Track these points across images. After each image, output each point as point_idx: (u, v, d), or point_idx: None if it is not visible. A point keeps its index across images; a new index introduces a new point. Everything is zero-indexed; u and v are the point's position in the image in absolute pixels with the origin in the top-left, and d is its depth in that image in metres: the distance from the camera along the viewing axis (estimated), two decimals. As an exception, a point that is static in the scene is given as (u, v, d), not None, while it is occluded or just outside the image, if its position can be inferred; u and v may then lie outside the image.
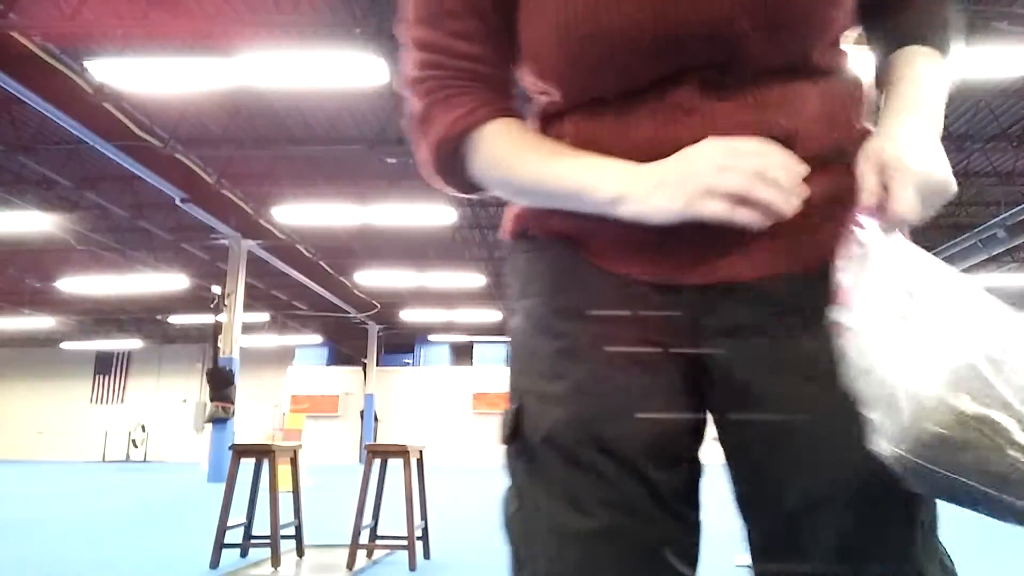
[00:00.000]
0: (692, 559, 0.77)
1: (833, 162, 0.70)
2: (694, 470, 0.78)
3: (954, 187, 0.70)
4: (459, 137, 0.75)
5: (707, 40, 0.66)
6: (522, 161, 0.73)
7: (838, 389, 0.61)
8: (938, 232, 13.37)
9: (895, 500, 0.67)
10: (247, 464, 4.26)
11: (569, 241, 0.74)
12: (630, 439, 0.68)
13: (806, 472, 0.68)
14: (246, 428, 22.12)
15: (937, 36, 0.76)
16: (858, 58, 0.80)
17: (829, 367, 0.63)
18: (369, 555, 4.28)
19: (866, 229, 0.65)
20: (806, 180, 0.63)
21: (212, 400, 12.22)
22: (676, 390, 0.72)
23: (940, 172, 0.68)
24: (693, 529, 0.78)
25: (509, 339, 0.79)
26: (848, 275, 0.64)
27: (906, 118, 0.70)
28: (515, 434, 0.72)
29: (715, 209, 0.62)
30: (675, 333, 0.71)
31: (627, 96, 0.70)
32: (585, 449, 0.68)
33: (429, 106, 0.76)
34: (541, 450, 0.69)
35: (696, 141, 0.65)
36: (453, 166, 0.77)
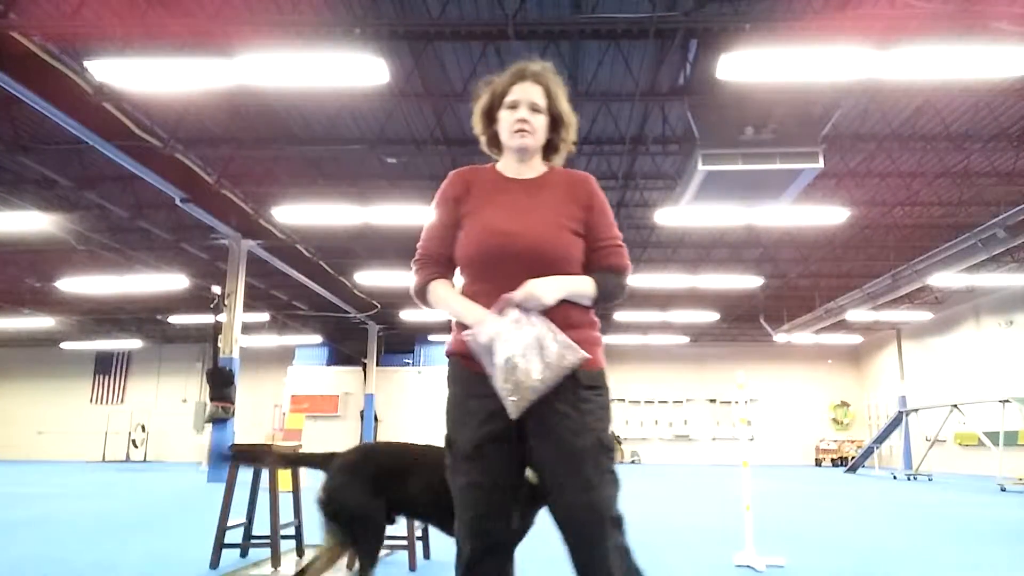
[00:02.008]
0: (516, 498, 1.80)
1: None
2: (521, 454, 1.79)
3: (543, 295, 1.76)
4: (423, 285, 1.92)
5: (511, 258, 1.80)
6: (445, 298, 1.89)
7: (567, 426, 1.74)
8: (938, 232, 13.38)
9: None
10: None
11: (459, 355, 1.83)
12: (468, 442, 1.76)
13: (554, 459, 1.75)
14: (246, 428, 22.12)
15: (602, 278, 1.85)
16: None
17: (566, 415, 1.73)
18: (369, 555, 4.28)
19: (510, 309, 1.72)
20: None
21: (212, 400, 12.22)
22: (504, 420, 1.72)
23: (540, 289, 1.74)
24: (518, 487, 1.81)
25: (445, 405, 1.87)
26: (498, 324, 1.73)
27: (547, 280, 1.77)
28: (449, 447, 1.82)
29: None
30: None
31: (479, 277, 1.86)
32: (462, 449, 1.78)
33: (416, 271, 1.93)
34: (453, 451, 1.81)
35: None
36: (423, 297, 1.94)
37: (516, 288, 1.72)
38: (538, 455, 1.74)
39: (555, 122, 1.93)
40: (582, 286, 1.80)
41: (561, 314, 1.75)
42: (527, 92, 1.90)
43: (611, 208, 1.93)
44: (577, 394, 1.74)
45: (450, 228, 1.89)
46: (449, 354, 1.86)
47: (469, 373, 1.78)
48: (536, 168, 1.93)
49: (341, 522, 2.42)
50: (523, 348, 1.67)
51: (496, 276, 1.77)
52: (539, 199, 1.86)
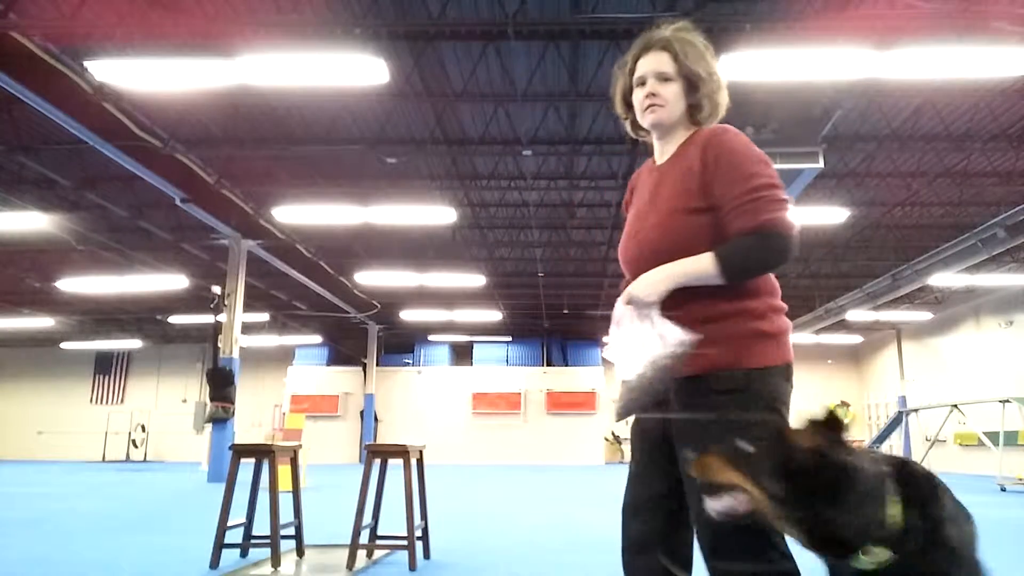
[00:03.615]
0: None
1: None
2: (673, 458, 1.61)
3: (641, 293, 1.58)
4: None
5: (633, 263, 1.69)
6: None
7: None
8: (938, 232, 13.38)
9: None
10: (247, 464, 4.26)
11: None
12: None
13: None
14: (246, 428, 22.11)
15: (725, 249, 1.53)
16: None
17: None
18: (369, 555, 4.28)
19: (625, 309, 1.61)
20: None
21: (212, 400, 12.23)
22: (651, 421, 1.73)
23: (638, 287, 1.58)
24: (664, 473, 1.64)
25: None
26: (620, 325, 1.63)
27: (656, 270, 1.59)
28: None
29: None
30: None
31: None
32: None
33: None
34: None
35: None
36: None
37: None
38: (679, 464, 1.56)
39: (690, 84, 1.69)
40: (695, 267, 1.52)
41: (687, 310, 1.53)
42: (653, 63, 1.71)
43: (749, 149, 1.61)
44: (709, 399, 1.51)
45: None
46: None
47: None
48: (678, 142, 1.72)
49: None
50: (625, 352, 1.57)
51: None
52: (662, 186, 1.68)
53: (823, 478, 1.28)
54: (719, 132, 1.63)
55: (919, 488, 1.29)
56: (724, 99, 1.73)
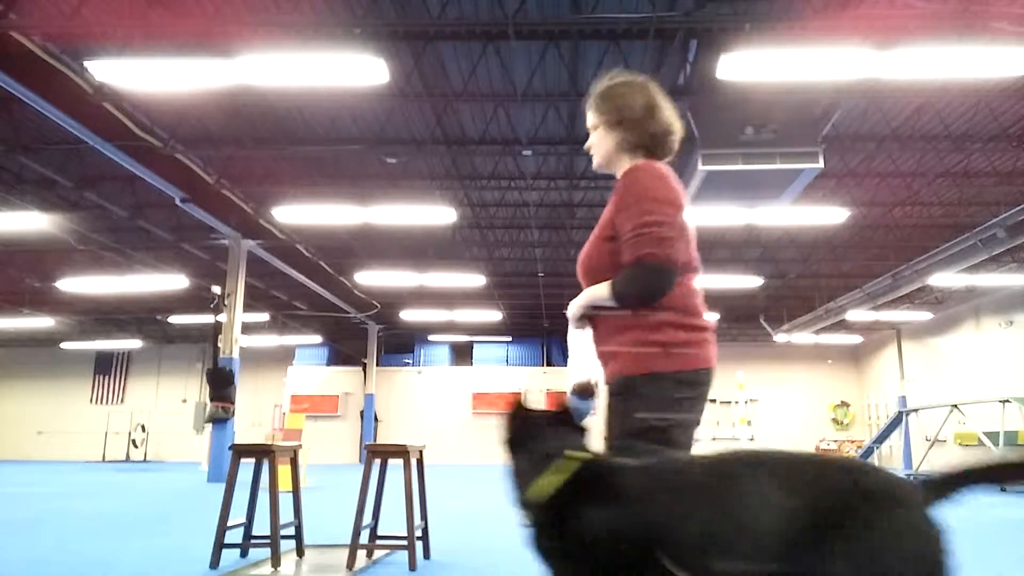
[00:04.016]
0: None
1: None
2: None
3: (569, 313, 1.90)
4: None
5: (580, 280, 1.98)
6: None
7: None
8: (938, 232, 13.38)
9: None
10: (247, 464, 4.26)
11: None
12: None
13: None
14: (246, 428, 22.12)
15: (617, 278, 1.79)
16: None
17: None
18: (369, 555, 4.28)
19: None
20: None
21: (212, 400, 12.22)
22: None
23: (568, 309, 1.91)
24: None
25: None
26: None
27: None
28: None
29: None
30: None
31: None
32: None
33: None
34: None
35: None
36: None
37: None
38: None
39: (608, 126, 1.96)
40: (598, 293, 1.82)
41: (603, 326, 1.86)
42: (587, 119, 2.03)
43: (642, 188, 1.82)
44: (608, 401, 1.83)
45: None
46: None
47: None
48: None
49: None
50: (572, 359, 1.95)
51: None
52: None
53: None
54: (631, 170, 1.85)
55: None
56: (656, 125, 1.92)
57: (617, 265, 1.80)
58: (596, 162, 2.00)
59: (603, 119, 1.95)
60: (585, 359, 1.87)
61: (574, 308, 1.88)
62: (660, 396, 1.76)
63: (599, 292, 1.81)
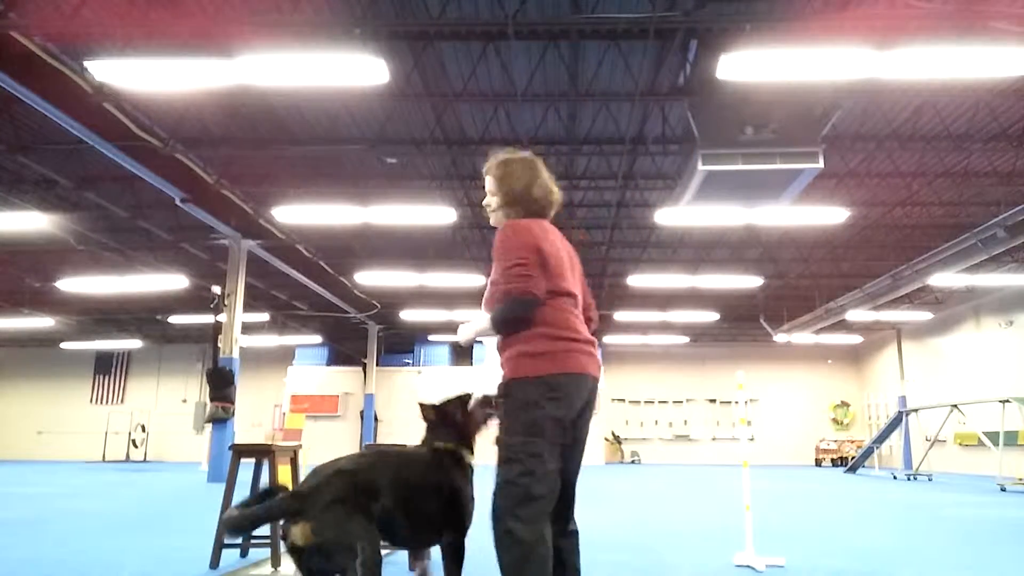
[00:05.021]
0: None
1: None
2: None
3: (461, 339, 2.53)
4: None
5: None
6: None
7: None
8: (938, 232, 13.38)
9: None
10: (247, 464, 4.26)
11: None
12: None
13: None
14: (246, 428, 22.11)
15: (492, 310, 2.33)
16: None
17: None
18: (369, 555, 4.27)
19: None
20: None
21: (212, 400, 12.22)
22: None
23: (460, 336, 2.50)
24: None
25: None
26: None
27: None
28: None
29: None
30: None
31: None
32: None
33: None
34: None
35: None
36: None
37: None
38: None
39: (501, 198, 2.51)
40: (479, 324, 2.35)
41: (500, 343, 2.35)
42: (486, 184, 2.57)
43: (504, 244, 2.32)
44: (499, 402, 2.30)
45: None
46: None
47: None
48: None
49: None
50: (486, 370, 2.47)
51: None
52: None
53: None
54: (500, 229, 2.36)
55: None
56: (533, 199, 2.47)
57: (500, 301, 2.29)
58: (492, 221, 2.51)
59: (496, 195, 2.49)
60: (491, 375, 2.30)
61: (465, 336, 2.41)
62: (526, 396, 2.19)
63: (481, 323, 2.32)
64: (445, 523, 2.45)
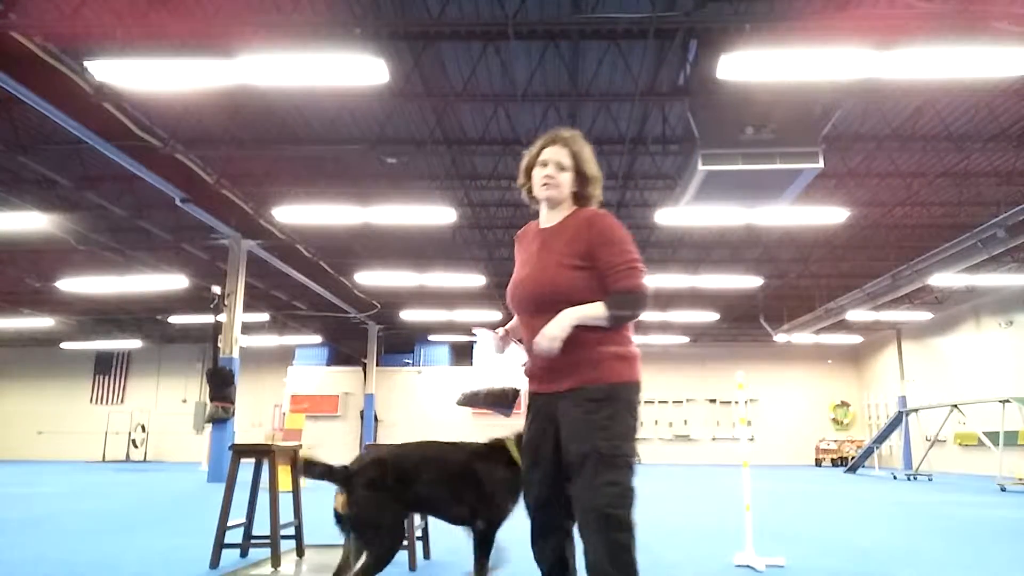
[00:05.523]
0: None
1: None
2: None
3: (547, 343, 2.08)
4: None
5: (526, 302, 2.26)
6: (513, 324, 2.48)
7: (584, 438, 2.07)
8: (938, 232, 13.38)
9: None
10: (247, 464, 4.26)
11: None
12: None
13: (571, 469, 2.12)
14: (246, 428, 22.10)
15: (611, 300, 2.11)
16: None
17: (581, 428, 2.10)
18: (369, 555, 4.28)
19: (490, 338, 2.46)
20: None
21: (212, 400, 12.22)
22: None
23: (553, 329, 2.08)
24: (557, 469, 2.17)
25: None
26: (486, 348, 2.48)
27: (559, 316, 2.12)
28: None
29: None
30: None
31: (519, 317, 2.36)
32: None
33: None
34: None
35: (530, 336, 2.22)
36: None
37: (533, 323, 2.18)
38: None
39: (582, 179, 2.30)
40: (592, 312, 2.10)
41: (571, 339, 2.09)
42: (556, 153, 2.29)
43: (622, 231, 2.20)
44: (584, 406, 2.09)
45: None
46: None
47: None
48: (562, 215, 2.31)
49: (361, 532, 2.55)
50: (487, 366, 2.36)
51: (526, 315, 2.27)
52: (549, 244, 2.25)
53: None
54: (602, 215, 2.23)
55: None
56: (599, 191, 2.34)
57: (590, 290, 2.13)
58: (548, 194, 2.27)
59: (569, 171, 2.28)
60: (507, 369, 2.22)
61: (566, 327, 2.07)
62: (630, 400, 2.14)
63: (594, 312, 2.10)
64: (479, 510, 2.57)
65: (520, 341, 2.37)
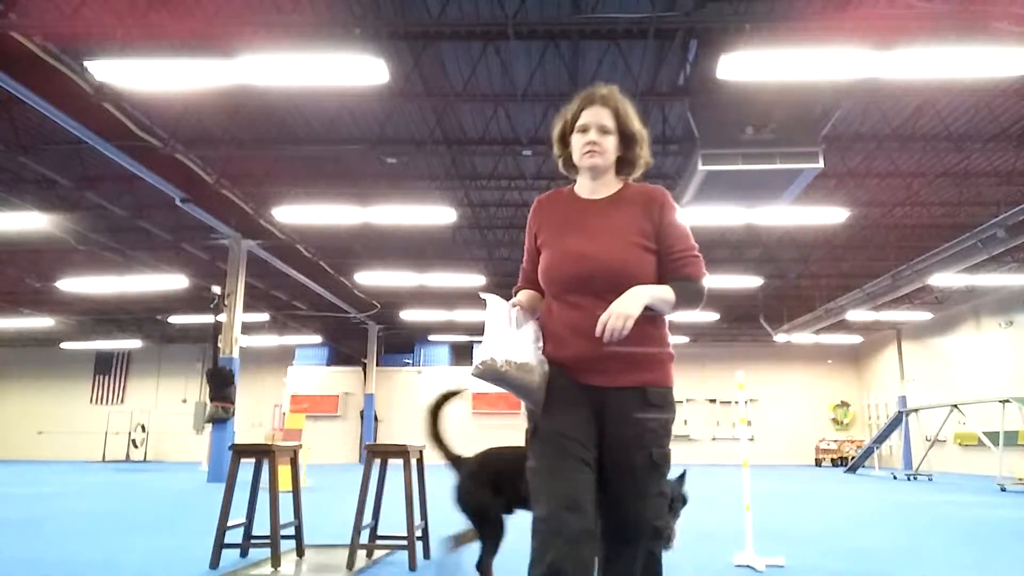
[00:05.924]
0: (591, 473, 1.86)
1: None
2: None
3: (620, 321, 1.78)
4: (518, 291, 2.11)
5: (587, 279, 1.89)
6: (527, 298, 2.08)
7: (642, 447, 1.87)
8: (938, 232, 13.38)
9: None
10: (247, 464, 4.26)
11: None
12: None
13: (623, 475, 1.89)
14: (246, 428, 22.10)
15: (679, 286, 1.92)
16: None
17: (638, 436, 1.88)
18: (369, 555, 4.28)
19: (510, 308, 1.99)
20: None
21: (212, 400, 12.22)
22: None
23: (625, 304, 1.80)
24: (592, 469, 1.85)
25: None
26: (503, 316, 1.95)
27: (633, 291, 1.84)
28: (533, 433, 1.93)
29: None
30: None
31: (561, 295, 1.95)
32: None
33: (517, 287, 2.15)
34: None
35: (578, 316, 1.90)
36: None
37: (585, 303, 1.88)
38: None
39: (626, 140, 2.01)
40: (663, 294, 1.88)
41: (637, 331, 1.81)
42: (596, 115, 1.98)
43: (683, 224, 2.03)
44: (646, 410, 1.88)
45: (533, 254, 2.09)
46: None
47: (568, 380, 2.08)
48: (610, 186, 2.03)
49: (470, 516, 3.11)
50: (500, 340, 1.93)
51: (578, 295, 1.91)
52: (612, 219, 1.97)
53: None
54: (663, 195, 2.00)
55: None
56: (647, 151, 2.06)
57: (655, 275, 1.93)
58: (592, 162, 1.97)
59: (627, 130, 2.00)
60: (522, 345, 1.88)
61: (641, 303, 1.81)
62: (674, 405, 1.95)
63: (665, 294, 1.88)
64: None
65: (537, 319, 2.02)
